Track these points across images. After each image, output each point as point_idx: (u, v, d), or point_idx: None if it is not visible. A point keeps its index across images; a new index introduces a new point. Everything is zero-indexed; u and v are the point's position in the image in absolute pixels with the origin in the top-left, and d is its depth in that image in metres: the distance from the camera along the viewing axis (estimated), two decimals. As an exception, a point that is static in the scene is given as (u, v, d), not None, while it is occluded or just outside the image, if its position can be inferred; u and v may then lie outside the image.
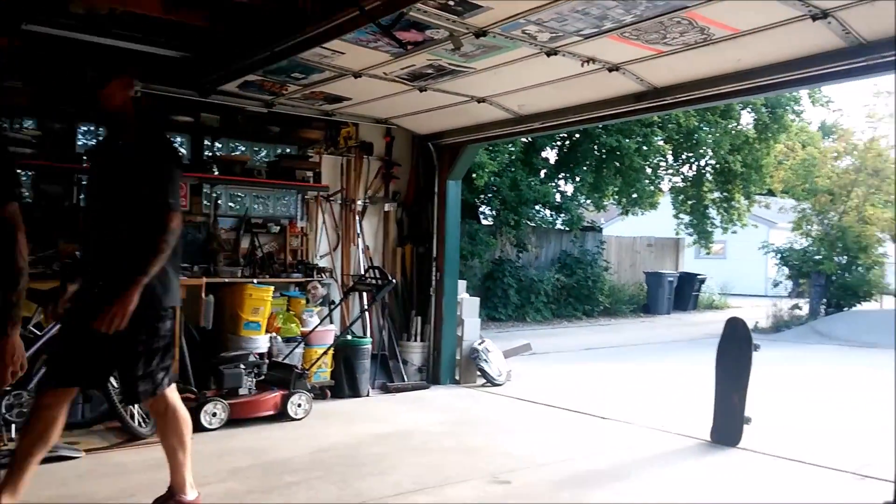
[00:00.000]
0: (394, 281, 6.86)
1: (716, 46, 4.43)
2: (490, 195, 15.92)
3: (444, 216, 7.82)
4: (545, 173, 16.79)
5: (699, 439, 5.39)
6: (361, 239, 7.72)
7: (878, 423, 6.02)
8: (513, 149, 14.44)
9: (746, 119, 17.64)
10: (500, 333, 12.85)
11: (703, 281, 20.18)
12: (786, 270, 15.58)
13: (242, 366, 5.84)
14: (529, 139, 15.00)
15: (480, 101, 6.28)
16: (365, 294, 7.32)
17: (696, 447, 5.26)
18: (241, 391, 5.77)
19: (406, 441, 5.24)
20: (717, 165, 17.66)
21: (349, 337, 7.00)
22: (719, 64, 4.75)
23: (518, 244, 16.43)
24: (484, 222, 16.66)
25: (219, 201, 6.86)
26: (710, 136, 16.63)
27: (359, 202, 7.69)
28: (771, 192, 18.56)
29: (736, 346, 5.31)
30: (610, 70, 5.08)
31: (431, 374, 7.71)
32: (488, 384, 7.58)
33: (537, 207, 16.87)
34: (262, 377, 5.98)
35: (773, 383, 7.98)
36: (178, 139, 6.93)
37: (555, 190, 17.09)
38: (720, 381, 5.40)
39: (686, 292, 19.34)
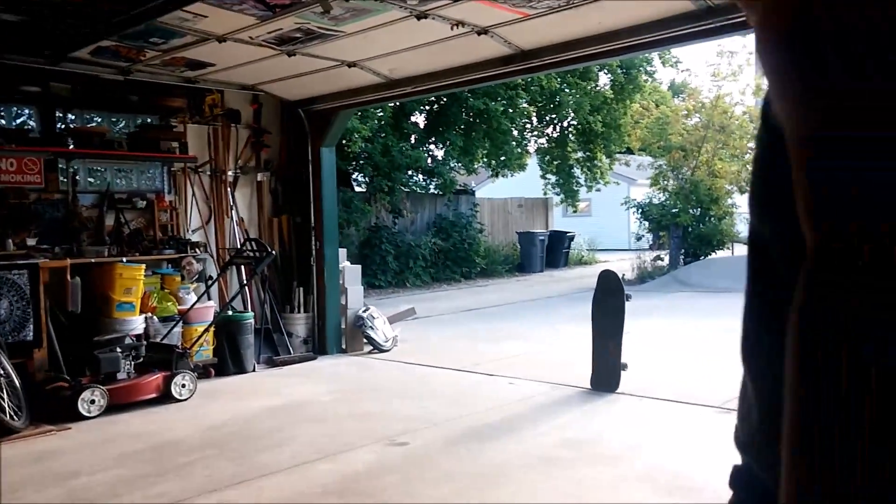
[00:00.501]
0: (273, 253, 6.75)
1: (578, 10, 4.62)
2: (363, 162, 15.83)
3: (320, 185, 7.73)
4: (416, 138, 16.88)
5: (581, 388, 5.70)
6: (235, 211, 7.51)
7: (734, 363, 6.59)
8: (381, 114, 14.38)
9: (604, 80, 18.48)
10: (382, 300, 12.90)
11: (572, 238, 21.08)
12: (647, 224, 16.56)
13: (119, 349, 5.59)
14: (398, 104, 15.00)
15: (351, 65, 6.22)
16: (244, 268, 7.14)
17: (579, 395, 5.57)
18: (120, 375, 5.53)
19: (299, 412, 5.22)
20: (579, 126, 18.41)
21: (230, 312, 6.82)
22: (582, 26, 4.96)
23: (393, 210, 16.47)
24: (358, 189, 16.56)
25: (77, 177, 6.44)
26: (571, 97, 17.28)
27: (229, 173, 7.46)
28: (630, 151, 19.59)
29: (610, 297, 5.63)
30: (479, 34, 5.18)
31: (318, 345, 7.67)
32: (375, 351, 7.64)
33: (410, 173, 16.96)
34: (141, 359, 5.74)
35: (642, 331, 8.54)
36: (26, 111, 6.43)
37: (426, 155, 17.23)
38: (597, 331, 5.71)
39: (557, 250, 20.15)
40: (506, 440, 4.41)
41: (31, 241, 5.87)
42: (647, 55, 17.85)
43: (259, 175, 7.73)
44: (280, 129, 7.87)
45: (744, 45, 15.90)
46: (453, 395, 5.70)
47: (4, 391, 4.85)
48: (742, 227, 17.40)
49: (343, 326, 7.79)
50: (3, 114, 6.36)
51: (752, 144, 15.49)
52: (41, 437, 4.70)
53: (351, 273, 8.03)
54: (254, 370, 6.76)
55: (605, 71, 18.01)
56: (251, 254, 6.80)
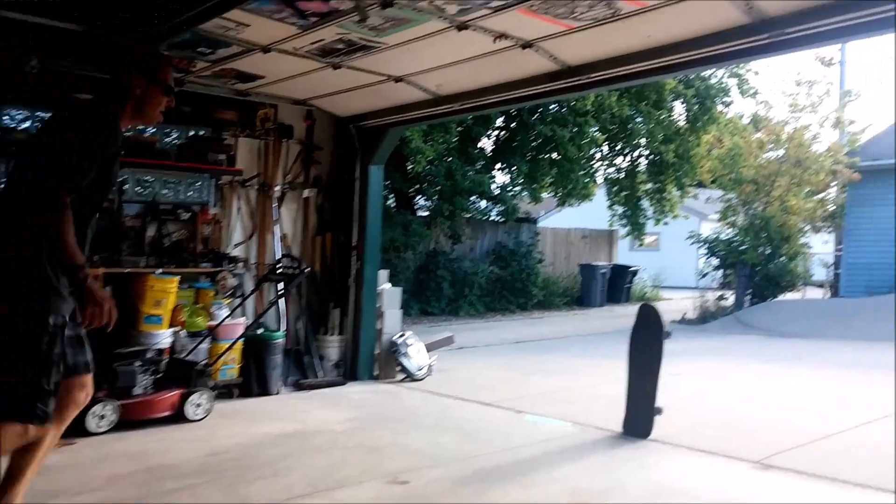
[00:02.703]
0: (307, 269, 6.52)
1: (625, 22, 4.29)
2: (425, 184, 15.66)
3: (366, 202, 7.53)
4: (482, 163, 16.62)
5: (611, 431, 5.27)
6: (279, 226, 7.36)
7: (785, 414, 6.08)
8: (446, 136, 14.17)
9: (679, 110, 17.87)
10: (434, 328, 12.65)
11: (635, 273, 20.35)
12: (713, 261, 15.77)
13: (138, 363, 5.45)
14: (463, 126, 14.82)
15: (398, 80, 6.04)
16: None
17: (606, 440, 5.13)
18: (136, 390, 5.36)
19: (309, 441, 4.94)
20: (651, 156, 17.81)
21: (260, 331, 6.64)
22: (630, 40, 4.62)
23: (452, 235, 16.21)
24: (419, 213, 16.40)
25: (125, 186, 6.40)
26: (643, 126, 16.75)
27: (277, 188, 7.33)
28: (701, 184, 18.85)
29: (648, 335, 5.20)
30: (523, 47, 4.91)
31: (349, 370, 7.40)
32: (408, 379, 7.32)
33: (473, 198, 16.70)
34: (160, 375, 5.59)
35: (691, 373, 7.98)
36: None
37: (491, 180, 16.94)
38: (632, 371, 5.28)
39: (619, 284, 19.47)
40: (512, 485, 4.02)
41: (72, 249, 5.83)
42: (723, 85, 17.20)
43: (306, 191, 7.59)
44: (332, 146, 7.74)
45: (824, 76, 15.13)
46: (473, 431, 5.32)
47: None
48: (815, 269, 16.35)
49: (377, 352, 7.52)
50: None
51: (830, 180, 14.59)
52: (45, 449, 4.55)
53: (390, 296, 7.76)
54: (278, 393, 6.52)
55: (681, 100, 17.43)
56: (287, 270, 6.61)
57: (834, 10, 3.84)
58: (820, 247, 17.29)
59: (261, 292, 7.08)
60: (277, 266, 6.72)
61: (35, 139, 3.18)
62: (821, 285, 16.85)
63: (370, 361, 7.45)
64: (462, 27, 4.61)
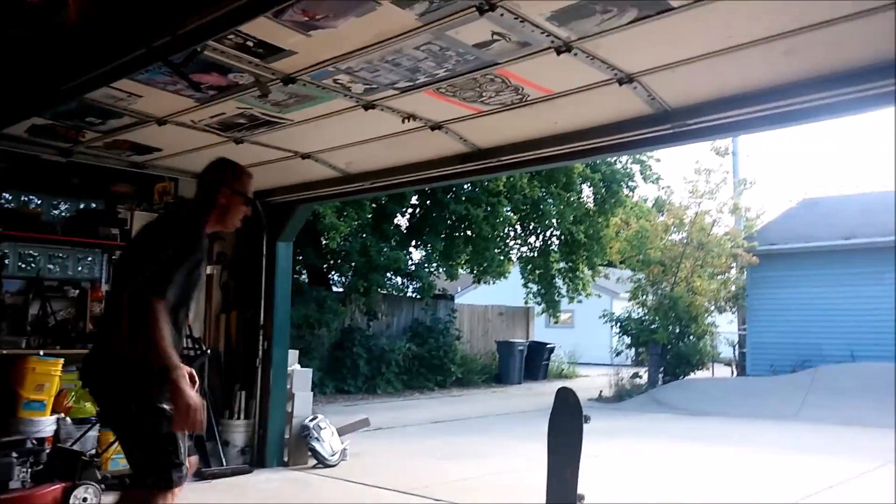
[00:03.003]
0: (207, 351, 6.21)
1: (532, 108, 4.36)
2: (340, 261, 15.47)
3: (274, 280, 7.30)
4: (396, 240, 16.62)
5: (533, 521, 5.09)
6: (179, 305, 7.01)
7: (705, 496, 6.06)
8: (360, 213, 14.14)
9: (587, 192, 18.49)
10: (349, 407, 12.27)
11: (552, 350, 20.51)
12: (626, 339, 16.09)
13: (14, 454, 4.99)
14: (377, 203, 14.85)
15: (305, 157, 5.94)
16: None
17: (528, 530, 4.95)
18: (13, 485, 4.90)
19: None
20: (563, 236, 18.25)
21: (156, 416, 6.20)
22: (538, 126, 4.70)
23: (368, 312, 15.98)
24: (333, 289, 16.14)
25: (6, 261, 6.00)
26: (554, 207, 17.20)
27: (177, 264, 7.02)
28: (611, 264, 19.41)
29: (567, 418, 5.10)
30: (433, 128, 4.91)
31: (256, 456, 7.00)
32: (320, 465, 6.98)
33: (388, 274, 16.59)
34: (41, 467, 5.12)
35: (611, 455, 7.93)
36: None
37: (407, 257, 16.92)
38: (552, 456, 5.13)
39: (536, 361, 19.55)
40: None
41: (-60, 330, 5.38)
42: (627, 170, 17.95)
43: (209, 268, 7.30)
44: (236, 222, 7.51)
45: (720, 164, 16.07)
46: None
47: None
48: (722, 347, 16.95)
49: (287, 436, 7.15)
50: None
51: (731, 263, 15.33)
52: None
53: (300, 377, 7.47)
54: (176, 483, 6.06)
55: (589, 184, 18.04)
56: (187, 351, 6.26)
57: (729, 106, 4.03)
58: (725, 326, 17.98)
59: (159, 374, 6.68)
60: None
61: (132, 249, 3.66)
62: (728, 364, 17.43)
63: (279, 447, 7.08)
64: (369, 106, 4.57)
